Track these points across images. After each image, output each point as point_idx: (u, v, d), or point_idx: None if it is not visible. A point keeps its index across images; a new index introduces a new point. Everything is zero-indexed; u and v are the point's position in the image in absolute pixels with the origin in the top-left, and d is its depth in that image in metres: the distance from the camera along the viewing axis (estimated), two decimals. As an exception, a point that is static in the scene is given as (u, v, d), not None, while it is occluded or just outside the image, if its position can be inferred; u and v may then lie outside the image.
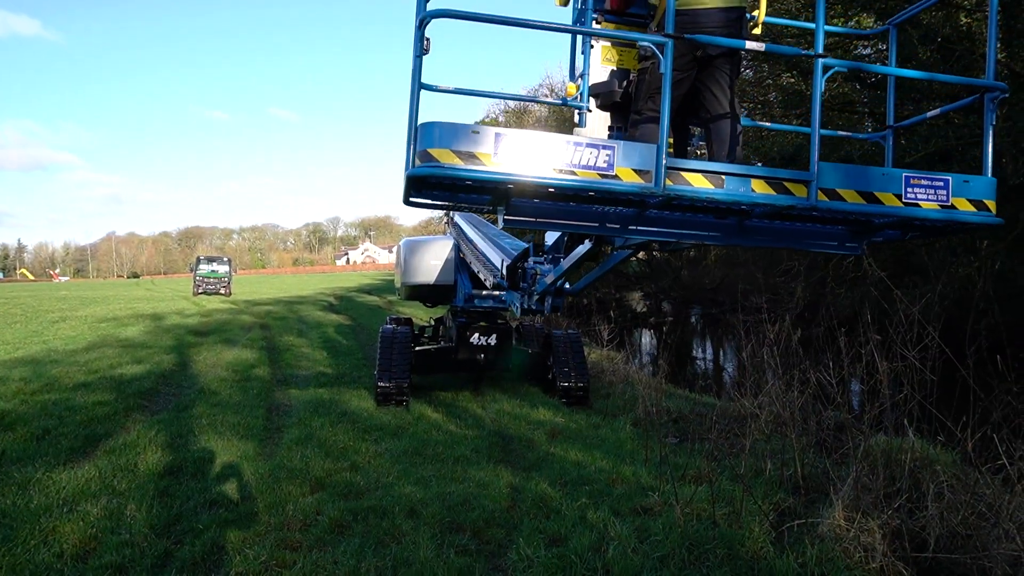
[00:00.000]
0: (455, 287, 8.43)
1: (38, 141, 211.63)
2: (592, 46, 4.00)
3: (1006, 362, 3.58)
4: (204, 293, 31.96)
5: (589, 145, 3.13)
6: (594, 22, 4.10)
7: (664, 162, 3.11)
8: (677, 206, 3.50)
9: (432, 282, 8.35)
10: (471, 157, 3.02)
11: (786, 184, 3.28)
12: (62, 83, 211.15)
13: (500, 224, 3.70)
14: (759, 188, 3.27)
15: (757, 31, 4.14)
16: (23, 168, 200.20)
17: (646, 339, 20.47)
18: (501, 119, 36.56)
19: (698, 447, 5.65)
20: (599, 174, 3.12)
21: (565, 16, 4.28)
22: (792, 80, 13.40)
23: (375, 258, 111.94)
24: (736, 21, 3.68)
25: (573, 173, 3.10)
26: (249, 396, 7.81)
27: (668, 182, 3.14)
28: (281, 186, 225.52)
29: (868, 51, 13.16)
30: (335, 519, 4.09)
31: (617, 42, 4.07)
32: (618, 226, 3.75)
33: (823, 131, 3.41)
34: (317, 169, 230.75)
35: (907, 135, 10.74)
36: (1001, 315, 7.60)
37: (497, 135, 3.07)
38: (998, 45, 10.28)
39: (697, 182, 3.22)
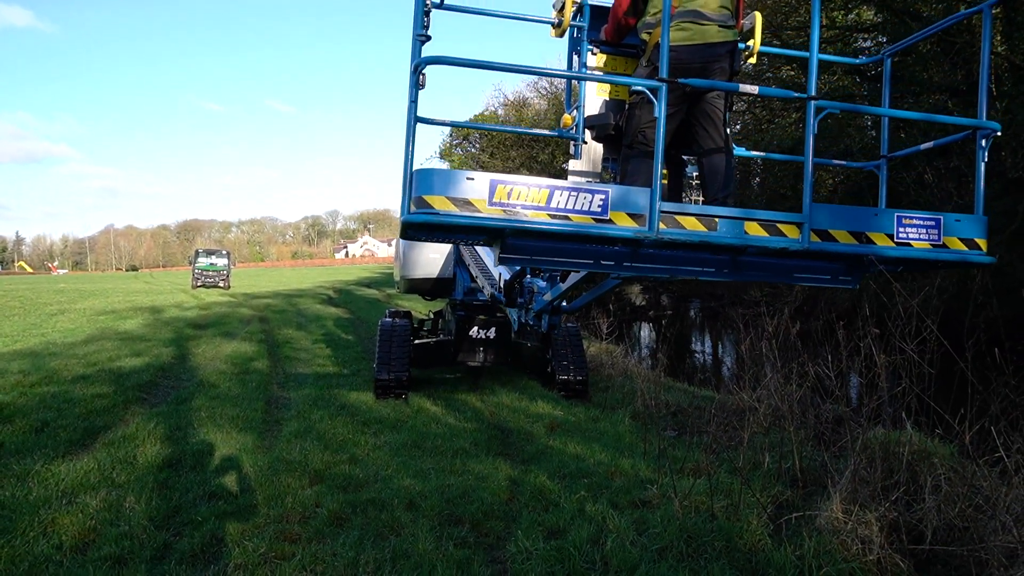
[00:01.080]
0: (454, 281, 8.42)
1: (33, 133, 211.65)
2: None
3: (1004, 355, 3.58)
4: (203, 286, 31.96)
5: (583, 190, 3.13)
6: (589, 52, 4.12)
7: (658, 206, 3.11)
8: (671, 245, 3.51)
9: (431, 276, 8.35)
10: (466, 204, 3.04)
11: (779, 226, 3.31)
12: (56, 75, 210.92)
13: (495, 262, 3.71)
14: (752, 230, 3.30)
15: (752, 60, 4.17)
16: (17, 160, 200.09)
17: (645, 332, 20.49)
18: (500, 112, 36.49)
19: (697, 440, 5.65)
20: (593, 219, 3.13)
21: (561, 45, 4.33)
22: (792, 73, 13.39)
23: (374, 251, 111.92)
24: (729, 55, 3.67)
25: (567, 218, 3.11)
26: (248, 389, 7.82)
27: (662, 225, 3.16)
28: (279, 179, 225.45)
29: (868, 44, 13.12)
30: (334, 511, 4.10)
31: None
32: (612, 263, 3.77)
33: (817, 159, 3.42)
34: (315, 162, 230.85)
35: (907, 129, 10.74)
36: (999, 308, 7.59)
37: (492, 181, 3.08)
38: (999, 38, 10.27)
39: (691, 225, 3.24)
